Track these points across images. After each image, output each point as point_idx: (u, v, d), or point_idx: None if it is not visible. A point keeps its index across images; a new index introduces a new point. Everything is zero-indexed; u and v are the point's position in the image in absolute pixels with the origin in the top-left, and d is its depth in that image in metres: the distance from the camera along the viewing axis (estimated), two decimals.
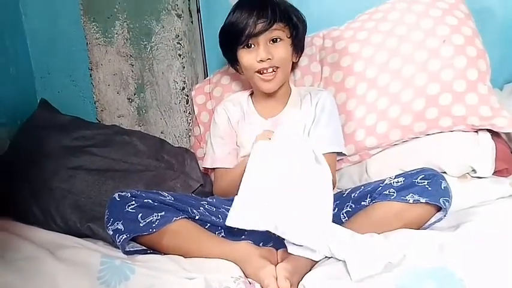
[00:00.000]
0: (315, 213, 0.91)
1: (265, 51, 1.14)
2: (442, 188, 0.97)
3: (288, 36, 1.18)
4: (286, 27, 1.17)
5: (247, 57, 1.17)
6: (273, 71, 1.17)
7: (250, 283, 0.89)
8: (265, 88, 1.20)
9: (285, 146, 0.98)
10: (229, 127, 1.27)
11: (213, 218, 1.03)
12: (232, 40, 1.18)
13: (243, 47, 1.17)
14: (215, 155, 1.26)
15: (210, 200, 1.09)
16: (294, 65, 1.31)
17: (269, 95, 1.23)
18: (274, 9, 1.14)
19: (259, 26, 1.13)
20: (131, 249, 0.98)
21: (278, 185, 0.93)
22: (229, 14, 1.19)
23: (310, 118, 1.21)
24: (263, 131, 1.12)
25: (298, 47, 1.23)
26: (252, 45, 1.16)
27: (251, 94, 1.30)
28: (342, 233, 0.91)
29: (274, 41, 1.16)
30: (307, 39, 1.38)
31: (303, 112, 1.22)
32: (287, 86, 1.27)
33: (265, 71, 1.16)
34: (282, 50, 1.17)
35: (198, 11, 1.52)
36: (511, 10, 1.43)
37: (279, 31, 1.15)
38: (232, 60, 1.25)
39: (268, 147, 0.99)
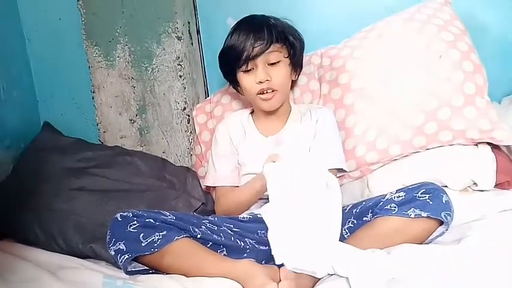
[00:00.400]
0: (323, 234, 0.91)
1: (263, 73, 1.16)
2: (444, 202, 0.97)
3: (286, 56, 1.20)
4: (283, 47, 1.19)
5: (246, 79, 1.19)
6: (272, 91, 1.18)
7: None
8: (265, 107, 1.21)
9: (297, 172, 0.97)
10: (230, 145, 1.28)
11: (214, 236, 1.03)
12: (231, 63, 1.20)
13: (242, 70, 1.19)
14: (217, 173, 1.27)
15: (212, 219, 1.09)
16: (294, 83, 1.33)
17: (269, 113, 1.25)
18: (270, 31, 1.16)
19: (257, 49, 1.15)
20: (133, 269, 0.98)
21: (298, 214, 0.92)
22: (227, 37, 1.22)
23: (311, 135, 1.22)
24: (269, 155, 1.11)
25: (296, 65, 1.25)
26: (251, 68, 1.18)
27: (252, 112, 1.32)
28: (345, 250, 0.91)
29: (272, 63, 1.17)
30: (306, 57, 1.40)
31: (303, 129, 1.23)
32: (287, 104, 1.28)
33: (265, 92, 1.18)
34: (281, 72, 1.18)
35: (198, 32, 1.55)
36: (506, 25, 1.45)
37: (276, 52, 1.17)
38: (232, 81, 1.27)
39: (282, 173, 0.98)
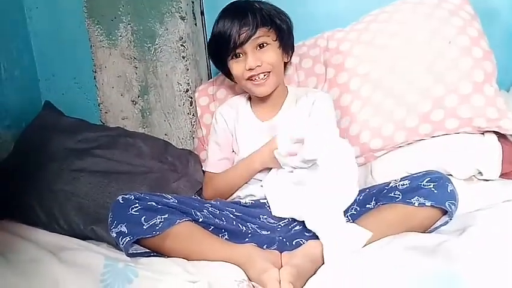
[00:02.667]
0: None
1: (253, 59, 1.14)
2: (449, 191, 0.96)
3: (274, 39, 1.17)
4: (270, 31, 1.16)
5: (236, 66, 1.18)
6: (265, 75, 1.17)
7: (253, 286, 0.88)
8: (258, 92, 1.20)
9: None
10: (225, 133, 1.28)
11: (216, 220, 1.03)
12: (219, 52, 1.19)
13: (232, 58, 1.18)
14: (209, 159, 1.29)
15: (214, 203, 1.09)
16: (287, 65, 1.31)
17: (265, 98, 1.23)
18: (255, 16, 1.14)
19: (243, 35, 1.13)
20: (134, 251, 0.98)
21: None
22: (214, 25, 1.20)
23: (306, 116, 1.21)
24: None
25: (286, 47, 1.23)
26: (240, 55, 1.16)
27: (249, 97, 1.30)
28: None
29: (261, 46, 1.16)
30: (311, 40, 1.38)
31: (298, 112, 1.22)
32: (283, 87, 1.27)
33: (256, 78, 1.17)
34: (271, 54, 1.17)
35: (202, 13, 1.52)
36: None
37: (263, 37, 1.15)
38: (224, 70, 1.25)
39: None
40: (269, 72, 1.17)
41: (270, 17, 1.17)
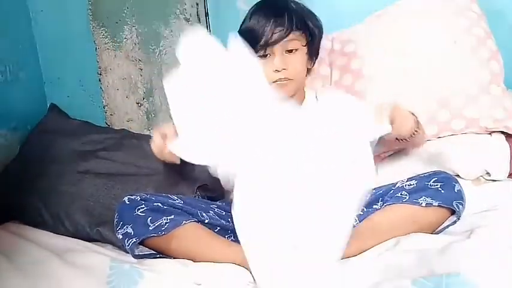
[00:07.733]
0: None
1: (281, 61, 1.12)
2: (456, 191, 0.95)
3: (304, 44, 1.15)
4: (302, 35, 1.14)
5: (263, 66, 1.16)
6: (287, 80, 1.15)
7: None
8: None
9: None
10: None
11: (222, 221, 1.02)
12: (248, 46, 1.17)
13: (258, 55, 1.15)
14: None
15: (220, 204, 1.09)
16: (309, 70, 1.29)
17: None
18: (290, 17, 1.11)
19: (276, 35, 1.10)
20: (140, 253, 0.97)
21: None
22: (246, 18, 1.17)
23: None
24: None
25: (313, 53, 1.20)
26: (268, 54, 1.14)
27: None
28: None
29: (290, 50, 1.13)
30: None
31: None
32: (301, 91, 1.25)
33: (279, 81, 1.15)
34: (298, 61, 1.14)
35: (207, 15, 1.52)
36: None
37: (295, 41, 1.12)
38: None
39: None
40: (291, 79, 1.14)
41: (305, 20, 1.14)
